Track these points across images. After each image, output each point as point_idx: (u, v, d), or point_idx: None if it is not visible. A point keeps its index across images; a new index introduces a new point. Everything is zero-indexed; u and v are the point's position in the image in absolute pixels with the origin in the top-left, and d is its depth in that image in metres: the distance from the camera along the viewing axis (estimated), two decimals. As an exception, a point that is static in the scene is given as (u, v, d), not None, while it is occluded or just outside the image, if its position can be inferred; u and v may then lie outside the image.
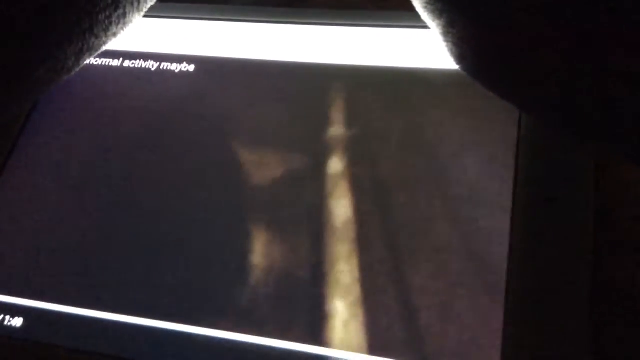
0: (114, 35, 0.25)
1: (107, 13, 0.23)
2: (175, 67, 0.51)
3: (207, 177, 0.47)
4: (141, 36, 0.53)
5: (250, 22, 0.52)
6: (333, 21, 0.49)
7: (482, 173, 0.41)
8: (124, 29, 0.25)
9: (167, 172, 0.47)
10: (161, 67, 0.52)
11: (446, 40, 0.25)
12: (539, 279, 0.36)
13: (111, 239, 0.46)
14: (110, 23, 0.24)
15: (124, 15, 0.24)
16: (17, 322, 0.43)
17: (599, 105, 0.21)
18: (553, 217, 0.37)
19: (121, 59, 0.52)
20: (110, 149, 0.49)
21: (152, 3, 0.26)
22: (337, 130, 0.46)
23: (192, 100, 0.50)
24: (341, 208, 0.43)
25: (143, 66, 0.52)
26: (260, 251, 0.43)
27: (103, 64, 0.53)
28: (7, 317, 0.43)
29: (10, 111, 0.26)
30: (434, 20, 0.26)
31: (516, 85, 0.24)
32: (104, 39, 0.24)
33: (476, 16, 0.23)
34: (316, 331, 0.40)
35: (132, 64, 0.52)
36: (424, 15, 0.27)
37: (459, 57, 0.25)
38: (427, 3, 0.25)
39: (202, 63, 0.52)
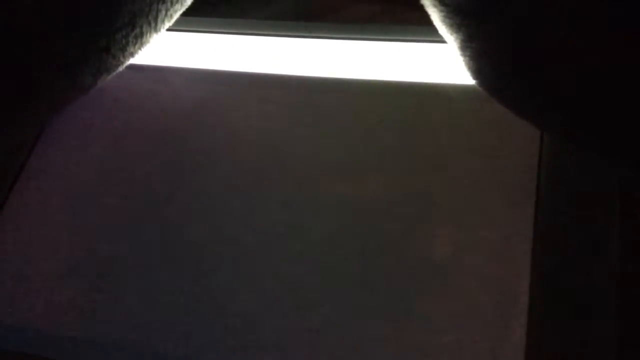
0: (131, 55, 0.25)
1: (124, 32, 0.23)
2: (187, 80, 0.52)
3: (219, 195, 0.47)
4: (153, 48, 0.53)
5: (265, 36, 0.52)
6: (349, 35, 0.49)
7: (502, 194, 0.41)
8: (141, 48, 0.25)
9: (178, 197, 0.46)
10: (172, 81, 0.52)
11: (464, 55, 0.25)
12: (562, 298, 0.35)
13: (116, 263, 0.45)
14: (127, 43, 0.24)
15: (141, 35, 0.24)
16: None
17: (619, 120, 0.21)
18: (577, 237, 0.36)
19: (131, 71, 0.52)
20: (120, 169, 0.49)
21: (170, 24, 0.26)
22: (351, 143, 0.46)
23: (202, 113, 0.51)
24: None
25: (154, 79, 0.52)
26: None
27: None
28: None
29: (28, 128, 0.26)
30: (452, 34, 0.25)
31: (534, 103, 0.24)
32: (121, 58, 0.24)
33: (496, 31, 0.22)
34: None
35: (142, 76, 0.53)
36: (442, 29, 0.27)
37: (476, 72, 0.25)
38: (445, 17, 0.25)
39: (215, 76, 0.53)
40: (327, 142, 0.47)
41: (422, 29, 0.48)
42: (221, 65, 0.52)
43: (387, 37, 0.48)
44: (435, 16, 0.26)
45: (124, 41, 0.23)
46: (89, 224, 0.48)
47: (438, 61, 0.47)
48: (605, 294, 0.34)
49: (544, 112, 0.24)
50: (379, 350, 0.39)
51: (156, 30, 0.25)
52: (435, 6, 0.25)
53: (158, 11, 0.24)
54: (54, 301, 0.45)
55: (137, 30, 0.24)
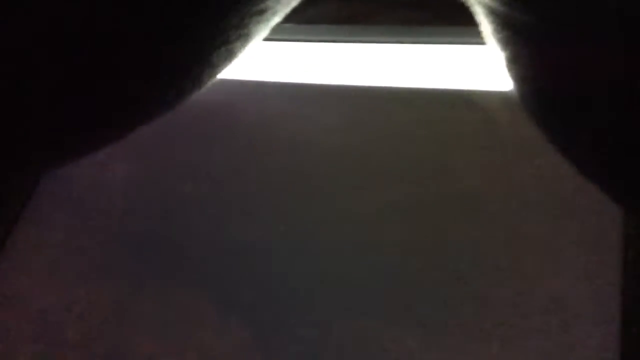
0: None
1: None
2: (221, 85, 0.51)
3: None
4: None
5: (304, 42, 0.51)
6: (399, 38, 0.47)
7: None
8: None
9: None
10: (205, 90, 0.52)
11: (511, 76, 0.23)
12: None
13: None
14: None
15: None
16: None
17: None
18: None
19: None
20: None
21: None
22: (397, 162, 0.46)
23: (235, 117, 0.51)
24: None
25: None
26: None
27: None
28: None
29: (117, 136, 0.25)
30: (500, 50, 0.24)
31: (573, 143, 0.22)
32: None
33: (543, 51, 0.21)
34: None
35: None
36: (492, 43, 0.25)
37: (521, 96, 0.23)
38: (495, 30, 0.23)
39: (250, 85, 0.52)
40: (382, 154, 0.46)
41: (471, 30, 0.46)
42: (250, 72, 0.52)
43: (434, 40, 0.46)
44: (486, 28, 0.25)
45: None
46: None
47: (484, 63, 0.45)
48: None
49: (581, 155, 0.22)
50: None
51: (200, 87, 0.24)
52: (486, 16, 0.23)
53: (203, 69, 0.22)
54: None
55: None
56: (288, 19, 0.50)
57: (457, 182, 0.44)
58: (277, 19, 0.23)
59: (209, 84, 0.24)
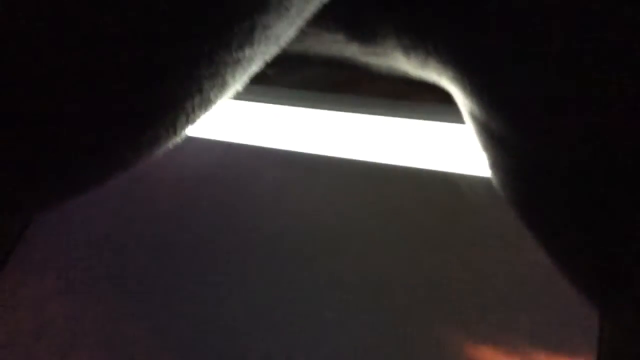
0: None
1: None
2: (202, 147, 0.51)
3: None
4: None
5: (294, 107, 0.50)
6: (385, 111, 0.47)
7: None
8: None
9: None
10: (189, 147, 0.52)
11: (492, 174, 0.23)
12: None
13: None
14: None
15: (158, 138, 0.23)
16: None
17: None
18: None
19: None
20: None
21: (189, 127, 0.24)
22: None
23: (215, 183, 0.50)
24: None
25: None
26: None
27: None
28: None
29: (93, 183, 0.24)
30: (483, 150, 0.24)
31: (556, 239, 0.22)
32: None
33: (519, 160, 0.21)
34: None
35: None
36: (477, 142, 0.25)
37: (504, 195, 0.23)
38: (476, 132, 0.24)
39: (234, 149, 0.52)
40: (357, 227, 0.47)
41: (447, 109, 0.46)
42: (236, 135, 0.51)
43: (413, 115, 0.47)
44: (472, 127, 0.25)
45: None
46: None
47: (458, 142, 0.45)
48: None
49: (557, 255, 0.22)
50: None
51: (176, 135, 0.23)
52: (468, 116, 0.24)
53: (177, 117, 0.22)
54: None
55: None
56: (274, 82, 0.50)
57: (443, 253, 0.46)
58: (254, 68, 0.23)
59: (185, 131, 0.23)
